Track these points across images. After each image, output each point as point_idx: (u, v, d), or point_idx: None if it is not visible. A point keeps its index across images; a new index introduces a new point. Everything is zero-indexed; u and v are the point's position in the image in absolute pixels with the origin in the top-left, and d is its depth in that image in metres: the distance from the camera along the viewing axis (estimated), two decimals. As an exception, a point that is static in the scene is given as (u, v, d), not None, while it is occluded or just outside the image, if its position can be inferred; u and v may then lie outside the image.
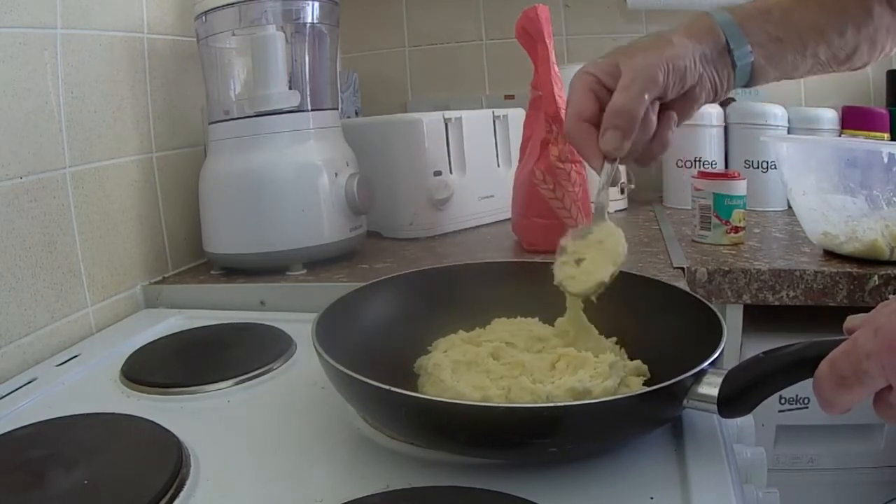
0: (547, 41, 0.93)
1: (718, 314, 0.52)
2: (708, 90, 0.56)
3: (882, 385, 0.38)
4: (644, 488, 0.42)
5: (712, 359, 0.45)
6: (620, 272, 0.54)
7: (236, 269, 0.92)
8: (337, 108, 0.99)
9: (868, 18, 0.58)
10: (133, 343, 0.72)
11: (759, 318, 0.89)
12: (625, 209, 1.26)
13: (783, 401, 0.88)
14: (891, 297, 0.40)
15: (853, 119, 1.23)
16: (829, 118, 1.23)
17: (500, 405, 0.45)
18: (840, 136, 1.23)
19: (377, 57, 1.51)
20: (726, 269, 0.85)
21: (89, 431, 0.52)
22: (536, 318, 0.61)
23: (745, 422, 0.60)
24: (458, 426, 0.43)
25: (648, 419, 0.45)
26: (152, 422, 0.52)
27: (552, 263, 0.56)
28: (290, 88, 0.89)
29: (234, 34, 0.90)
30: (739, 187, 0.96)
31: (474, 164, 1.11)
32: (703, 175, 0.99)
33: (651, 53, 0.52)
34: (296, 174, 0.88)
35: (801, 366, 0.41)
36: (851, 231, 0.86)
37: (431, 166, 1.05)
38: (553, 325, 0.59)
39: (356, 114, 1.43)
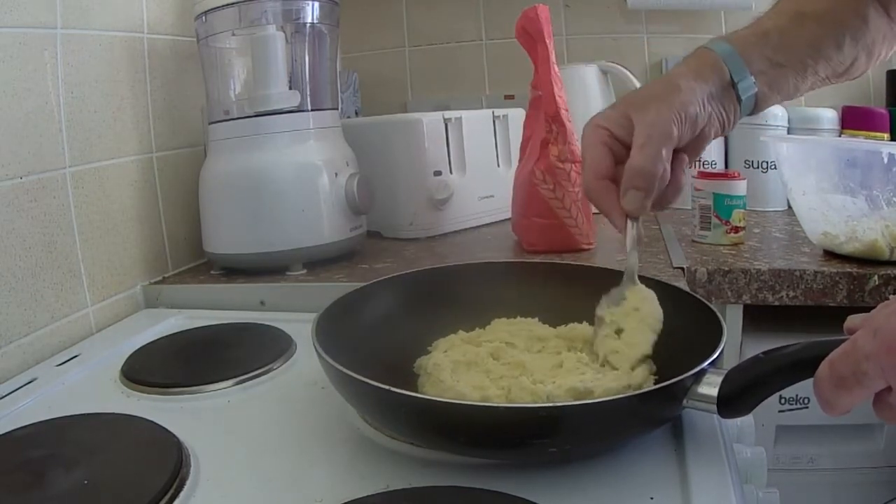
0: (547, 41, 0.93)
1: (718, 314, 0.52)
2: (717, 128, 0.55)
3: (882, 386, 0.38)
4: (644, 488, 0.42)
5: (712, 359, 0.45)
6: (620, 273, 0.54)
7: (236, 269, 0.92)
8: (337, 108, 0.99)
9: (864, 27, 0.58)
10: (133, 343, 0.72)
11: (758, 318, 0.89)
12: (625, 209, 1.26)
13: (783, 401, 0.88)
14: (891, 297, 0.40)
15: (853, 119, 1.23)
16: (829, 118, 1.23)
17: (500, 405, 0.45)
18: (840, 136, 1.23)
19: (377, 57, 1.51)
20: (726, 269, 0.85)
21: (89, 431, 0.52)
22: (536, 319, 0.61)
23: (745, 422, 0.60)
24: (458, 426, 0.43)
25: (648, 419, 0.45)
26: (152, 422, 0.52)
27: (552, 264, 0.56)
28: (290, 88, 0.89)
29: (234, 34, 0.90)
30: (739, 187, 0.96)
31: (474, 164, 1.11)
32: (703, 175, 0.99)
33: (663, 105, 0.52)
34: (296, 174, 0.88)
35: (801, 366, 0.41)
36: (851, 231, 0.86)
37: (431, 166, 1.05)
38: (553, 326, 0.59)
39: (356, 114, 1.43)
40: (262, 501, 0.44)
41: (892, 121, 1.22)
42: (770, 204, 1.22)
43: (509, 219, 1.02)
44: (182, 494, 0.44)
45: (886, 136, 1.21)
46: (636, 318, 0.52)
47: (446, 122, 1.07)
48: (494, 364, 0.53)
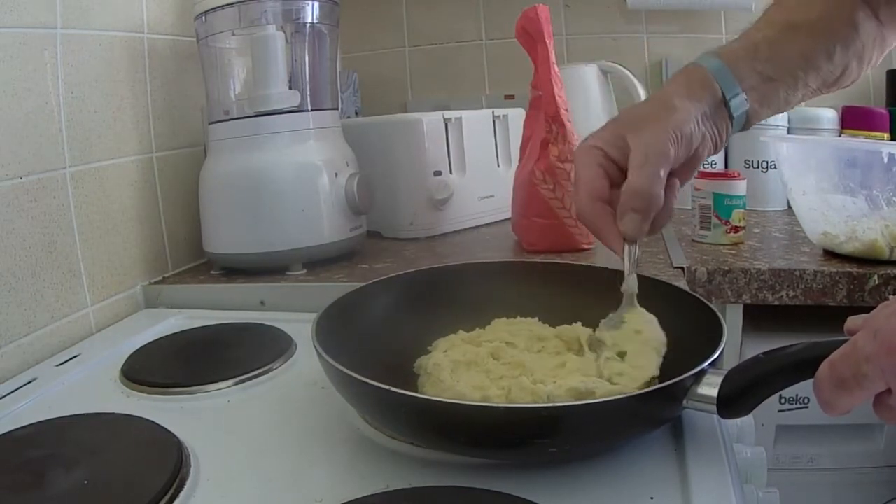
0: (547, 41, 0.93)
1: (718, 314, 0.52)
2: (709, 147, 0.54)
3: (882, 388, 0.38)
4: (644, 488, 0.42)
5: (712, 359, 0.45)
6: (621, 273, 0.54)
7: (236, 269, 0.92)
8: (337, 108, 0.99)
9: (854, 34, 0.57)
10: (133, 343, 0.72)
11: (758, 317, 0.89)
12: (625, 209, 1.26)
13: (783, 401, 0.88)
14: (890, 297, 0.40)
15: (853, 119, 1.23)
16: (828, 118, 1.23)
17: (500, 405, 0.45)
18: (840, 135, 1.23)
19: (377, 57, 1.51)
20: (726, 268, 0.85)
21: (89, 431, 0.52)
22: (536, 319, 0.61)
23: (745, 421, 0.60)
24: (458, 426, 0.43)
25: (648, 419, 0.45)
26: (152, 422, 0.52)
27: (552, 264, 0.56)
28: (290, 88, 0.89)
29: (234, 34, 0.90)
30: (739, 187, 0.96)
31: (474, 164, 1.11)
32: (703, 175, 0.99)
33: (659, 126, 0.51)
34: (296, 174, 0.88)
35: (801, 367, 0.41)
36: (851, 231, 0.86)
37: (431, 166, 1.05)
38: (553, 326, 0.59)
39: (356, 114, 1.43)
40: (262, 501, 0.44)
41: (892, 121, 1.22)
42: (770, 204, 1.22)
43: (509, 219, 1.02)
44: (182, 494, 0.44)
45: (886, 135, 1.21)
46: (639, 340, 0.51)
47: (446, 122, 1.07)
48: (494, 364, 0.53)
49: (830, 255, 0.89)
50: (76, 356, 0.70)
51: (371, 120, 1.16)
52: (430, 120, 1.06)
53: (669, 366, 0.48)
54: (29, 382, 0.64)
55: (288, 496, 0.44)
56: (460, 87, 1.49)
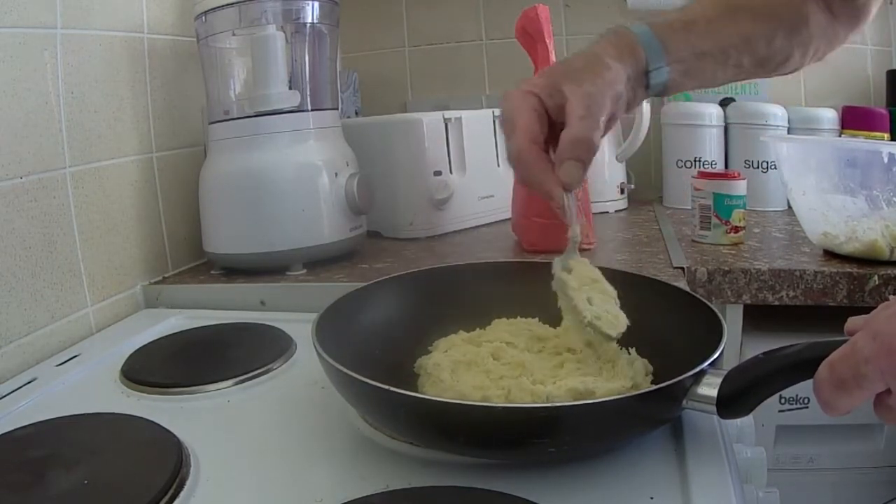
0: (547, 41, 0.93)
1: (719, 314, 0.51)
2: (623, 110, 0.54)
3: (881, 389, 0.38)
4: (644, 488, 0.42)
5: (712, 359, 0.45)
6: (620, 272, 0.54)
7: (236, 269, 0.92)
8: (337, 108, 0.99)
9: (802, 24, 0.57)
10: (133, 343, 0.72)
11: (758, 317, 0.89)
12: (625, 209, 1.26)
13: (783, 401, 0.88)
14: (891, 297, 0.39)
15: (853, 119, 1.23)
16: (829, 118, 1.23)
17: (499, 405, 0.45)
18: (840, 136, 1.23)
19: (377, 57, 1.51)
20: (726, 268, 0.85)
21: (89, 431, 0.52)
22: (536, 319, 0.61)
23: (745, 421, 0.60)
24: (457, 426, 0.43)
25: (647, 420, 0.45)
26: (152, 422, 0.52)
27: (552, 264, 0.55)
28: (290, 88, 0.89)
29: (234, 34, 0.90)
30: (739, 187, 0.96)
31: (474, 164, 1.11)
32: (703, 175, 0.99)
33: (598, 79, 0.51)
34: (296, 174, 0.88)
35: (801, 367, 0.41)
36: (851, 231, 0.86)
37: (431, 166, 1.05)
38: (553, 326, 0.59)
39: (356, 114, 1.43)
40: (262, 501, 0.44)
41: (892, 121, 1.22)
42: (770, 204, 1.22)
43: (509, 219, 1.02)
44: (182, 494, 0.44)
45: (886, 136, 1.21)
46: (598, 290, 0.52)
47: (446, 122, 1.07)
48: (494, 364, 0.53)
49: (830, 255, 0.89)
50: (76, 356, 0.70)
51: (371, 120, 1.16)
52: (430, 120, 1.06)
53: (669, 366, 0.48)
54: (29, 382, 0.64)
55: (288, 496, 0.44)
56: (460, 87, 1.49)
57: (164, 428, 0.51)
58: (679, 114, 1.27)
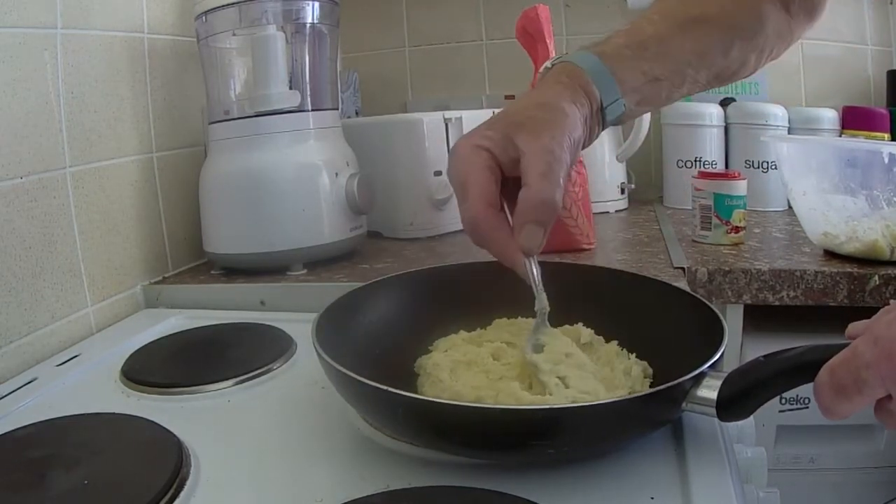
0: (547, 41, 0.93)
1: (720, 315, 0.51)
2: (579, 152, 0.50)
3: (882, 394, 0.37)
4: (644, 488, 0.42)
5: (712, 361, 0.45)
6: (621, 272, 0.54)
7: (236, 269, 0.92)
8: (337, 108, 0.99)
9: (759, 27, 0.54)
10: (133, 343, 0.72)
11: (759, 317, 0.89)
12: (625, 209, 1.26)
13: (784, 401, 0.88)
14: (891, 301, 0.39)
15: (853, 119, 1.23)
16: (829, 118, 1.23)
17: (497, 406, 0.45)
18: (840, 136, 1.23)
19: (377, 57, 1.51)
20: (727, 269, 0.85)
21: (89, 431, 0.52)
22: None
23: (745, 422, 0.60)
24: (455, 427, 0.42)
25: (647, 422, 0.45)
26: (152, 422, 0.52)
27: (553, 263, 0.55)
28: (291, 88, 0.89)
29: (234, 34, 0.90)
30: (740, 187, 0.96)
31: (474, 164, 1.11)
32: (704, 175, 0.99)
33: (556, 130, 0.47)
34: (296, 174, 0.88)
35: (802, 371, 0.41)
36: (852, 231, 0.86)
37: (431, 166, 1.05)
38: (554, 326, 0.59)
39: (356, 114, 1.43)
40: (262, 501, 0.44)
41: (893, 121, 1.22)
42: (770, 204, 1.22)
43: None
44: (182, 494, 0.44)
45: (887, 136, 1.21)
46: (574, 364, 0.49)
47: (446, 122, 1.07)
48: (494, 364, 0.53)
49: (831, 255, 0.89)
50: (76, 356, 0.70)
51: (371, 120, 1.16)
52: (430, 120, 1.06)
53: (669, 366, 0.47)
54: (29, 382, 0.64)
55: (288, 496, 0.44)
56: (460, 87, 1.49)
57: (164, 428, 0.51)
58: (679, 114, 1.27)
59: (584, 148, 0.52)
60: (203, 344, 0.72)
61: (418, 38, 1.50)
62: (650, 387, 0.50)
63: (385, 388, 0.42)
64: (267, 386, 0.62)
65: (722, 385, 0.43)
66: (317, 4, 0.92)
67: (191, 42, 0.94)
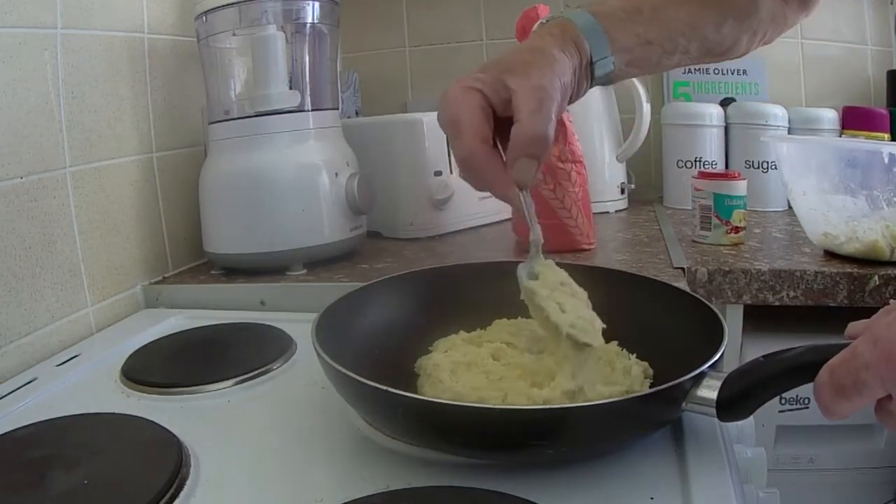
0: (547, 41, 0.93)
1: (720, 315, 0.51)
2: (567, 102, 0.52)
3: (882, 395, 0.37)
4: (644, 488, 0.42)
5: (712, 361, 0.45)
6: (621, 272, 0.54)
7: (236, 269, 0.92)
8: (337, 108, 0.99)
9: (753, 9, 0.55)
10: (133, 343, 0.72)
11: (759, 318, 0.89)
12: (625, 209, 1.26)
13: (783, 401, 0.88)
14: (891, 301, 0.38)
15: (853, 119, 1.23)
16: (829, 118, 1.23)
17: (496, 407, 0.45)
18: (840, 136, 1.23)
19: (377, 57, 1.51)
20: (726, 269, 0.85)
21: (89, 431, 0.52)
22: (537, 319, 0.61)
23: (745, 422, 0.60)
24: (454, 427, 0.43)
25: (646, 422, 0.45)
26: (152, 422, 0.52)
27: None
28: (291, 88, 0.89)
29: (234, 34, 0.90)
30: (740, 187, 0.96)
31: (474, 164, 1.11)
32: (704, 175, 0.99)
33: (545, 71, 0.48)
34: (296, 174, 0.88)
35: (802, 371, 0.41)
36: (852, 231, 0.86)
37: (431, 166, 1.05)
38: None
39: (356, 114, 1.43)
40: (262, 501, 0.44)
41: (893, 121, 1.22)
42: (770, 204, 1.22)
43: (509, 219, 1.02)
44: (182, 494, 0.44)
45: (887, 136, 1.21)
46: (570, 294, 0.50)
47: (446, 122, 1.07)
48: (494, 365, 0.53)
49: (831, 255, 0.89)
50: (76, 356, 0.70)
51: (371, 120, 1.16)
52: (430, 120, 1.05)
53: (669, 366, 0.47)
54: (29, 382, 0.64)
55: (288, 496, 0.44)
56: (460, 87, 1.49)
57: (164, 428, 0.51)
58: (679, 114, 1.27)
59: (571, 102, 0.53)
60: (203, 344, 0.72)
61: (418, 38, 1.50)
62: (650, 387, 0.50)
63: (385, 388, 0.42)
64: (267, 386, 0.62)
65: (722, 385, 0.43)
66: (317, 4, 0.92)
67: (191, 42, 0.94)
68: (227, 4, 0.86)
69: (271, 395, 0.61)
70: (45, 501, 0.43)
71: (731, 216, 0.96)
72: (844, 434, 0.90)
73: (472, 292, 0.63)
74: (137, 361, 0.67)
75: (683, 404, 0.44)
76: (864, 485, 0.91)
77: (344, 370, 0.45)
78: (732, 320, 0.87)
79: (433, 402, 0.44)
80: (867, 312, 0.41)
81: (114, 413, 0.55)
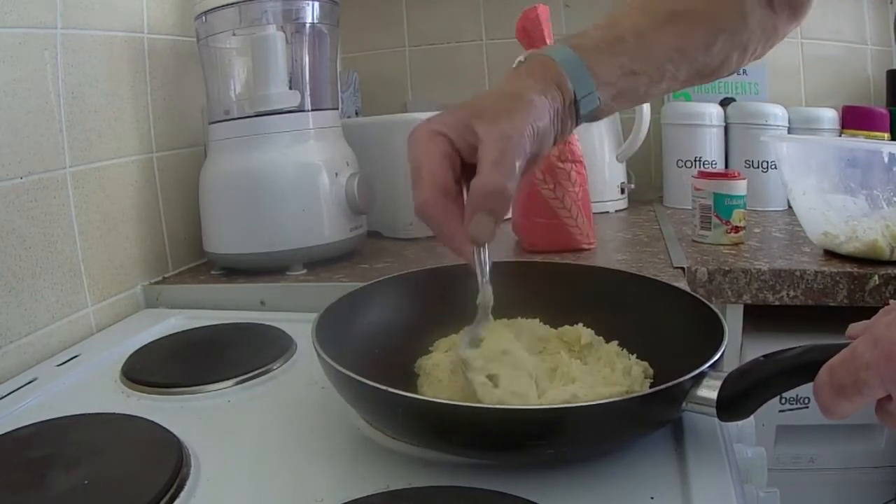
0: (547, 41, 0.93)
1: (720, 315, 0.51)
2: (550, 144, 0.49)
3: (882, 395, 0.37)
4: (644, 488, 0.42)
5: (712, 361, 0.45)
6: (620, 272, 0.54)
7: (236, 269, 0.92)
8: (337, 108, 0.99)
9: (742, 23, 0.53)
10: (133, 343, 0.72)
11: (759, 317, 0.89)
12: (625, 209, 1.26)
13: (784, 401, 0.88)
14: (891, 301, 0.38)
15: (853, 119, 1.23)
16: (829, 118, 1.23)
17: (496, 406, 0.45)
18: (840, 135, 1.23)
19: (377, 57, 1.51)
20: (726, 268, 0.85)
21: (89, 431, 0.52)
22: (537, 319, 0.61)
23: (745, 421, 0.60)
24: (454, 427, 0.42)
25: (646, 422, 0.45)
26: (152, 422, 0.52)
27: (553, 263, 0.55)
28: (291, 88, 0.89)
29: (234, 34, 0.90)
30: (740, 187, 0.96)
31: (474, 164, 1.11)
32: (704, 175, 0.99)
33: (516, 118, 0.46)
34: (296, 174, 0.88)
35: (802, 370, 0.41)
36: (852, 231, 0.86)
37: (431, 166, 1.05)
38: (554, 327, 0.59)
39: (356, 114, 1.43)
40: (262, 501, 0.44)
41: (893, 121, 1.22)
42: (770, 204, 1.22)
43: (509, 219, 1.02)
44: (182, 494, 0.44)
45: (886, 135, 1.21)
46: (509, 363, 0.47)
47: (446, 121, 1.07)
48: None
49: (831, 255, 0.89)
50: (76, 356, 0.70)
51: (371, 120, 1.16)
52: (431, 120, 1.05)
53: (669, 366, 0.47)
54: (29, 382, 0.64)
55: (288, 496, 0.44)
56: (460, 87, 1.48)
57: (164, 428, 0.51)
58: (679, 114, 1.27)
59: (556, 143, 0.51)
60: (203, 344, 0.72)
61: (418, 38, 1.50)
62: (650, 387, 0.50)
63: (385, 388, 0.42)
64: (267, 386, 0.62)
65: (722, 385, 0.43)
66: (317, 4, 0.92)
67: (191, 42, 0.94)
68: (227, 4, 0.86)
69: (271, 395, 0.61)
70: (45, 501, 0.43)
71: (731, 216, 0.96)
72: (845, 434, 0.90)
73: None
74: (137, 361, 0.67)
75: (683, 404, 0.44)
76: (864, 484, 0.91)
77: (344, 370, 0.45)
78: (732, 320, 0.87)
79: (433, 402, 0.44)
80: (867, 312, 0.41)
81: (114, 413, 0.55)
